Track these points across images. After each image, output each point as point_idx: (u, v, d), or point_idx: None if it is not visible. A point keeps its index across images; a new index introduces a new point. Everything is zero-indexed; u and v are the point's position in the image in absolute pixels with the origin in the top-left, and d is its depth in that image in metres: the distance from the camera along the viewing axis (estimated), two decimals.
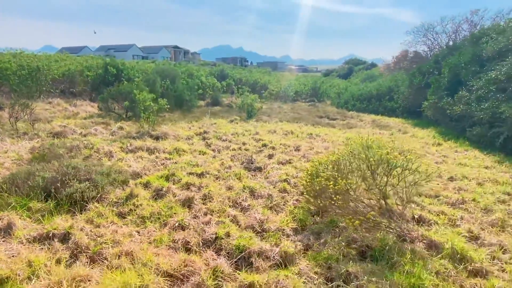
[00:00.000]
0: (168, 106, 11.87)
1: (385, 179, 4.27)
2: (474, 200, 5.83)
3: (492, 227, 4.84)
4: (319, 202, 4.27)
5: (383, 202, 4.36)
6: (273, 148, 8.62)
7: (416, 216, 4.88)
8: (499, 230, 4.77)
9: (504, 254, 4.05)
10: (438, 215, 5.10)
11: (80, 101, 14.50)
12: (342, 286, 3.07)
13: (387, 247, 3.78)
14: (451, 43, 23.19)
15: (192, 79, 21.21)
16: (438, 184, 6.79)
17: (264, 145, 8.82)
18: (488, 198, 5.96)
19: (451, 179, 7.22)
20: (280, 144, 9.02)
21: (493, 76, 11.01)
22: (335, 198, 4.01)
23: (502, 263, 3.80)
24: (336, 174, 4.18)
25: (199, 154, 7.74)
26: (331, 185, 4.03)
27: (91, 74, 16.18)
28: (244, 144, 8.94)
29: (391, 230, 4.22)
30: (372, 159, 4.07)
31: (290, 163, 7.30)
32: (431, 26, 26.08)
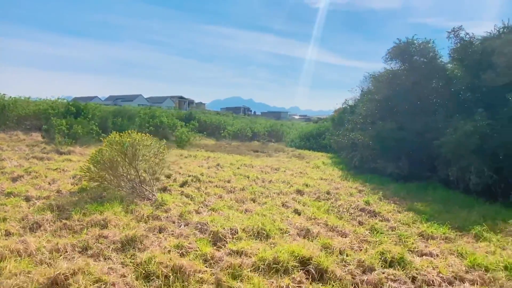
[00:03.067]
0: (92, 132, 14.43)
1: (136, 162, 6.37)
2: (248, 188, 7.80)
3: (235, 201, 6.76)
4: (88, 175, 6.33)
5: (138, 176, 6.41)
6: None
7: (182, 192, 6.89)
8: (238, 201, 6.70)
9: (205, 206, 6.00)
10: (205, 194, 7.07)
11: (36, 133, 17.14)
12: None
13: (118, 198, 5.79)
14: None
15: (153, 119, 24.14)
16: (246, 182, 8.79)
17: None
18: (265, 189, 7.93)
19: (270, 181, 9.17)
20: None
21: (358, 112, 13.31)
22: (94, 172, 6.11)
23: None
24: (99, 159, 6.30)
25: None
26: (91, 162, 6.15)
27: (53, 112, 19.04)
28: None
29: (139, 193, 6.23)
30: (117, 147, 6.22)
31: None
32: None
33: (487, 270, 4.20)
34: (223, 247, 4.24)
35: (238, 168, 11.20)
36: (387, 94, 12.56)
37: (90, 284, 3.03)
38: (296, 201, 7.32)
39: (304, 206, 6.92)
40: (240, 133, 28.25)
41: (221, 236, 4.48)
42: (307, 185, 8.98)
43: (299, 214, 6.32)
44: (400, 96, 12.05)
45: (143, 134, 6.69)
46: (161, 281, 3.20)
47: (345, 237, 5.27)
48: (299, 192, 8.24)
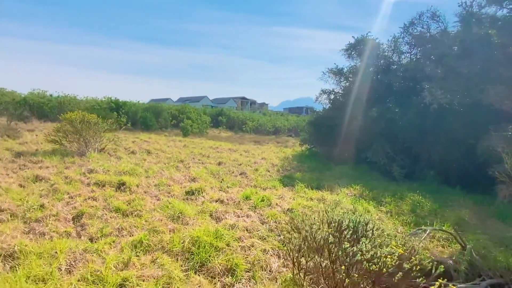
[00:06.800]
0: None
1: (83, 132, 9.47)
2: (174, 157, 10.34)
3: (152, 163, 9.42)
4: (47, 139, 9.60)
5: (84, 141, 9.48)
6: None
7: (117, 156, 9.80)
8: (154, 163, 9.35)
9: (120, 161, 8.77)
10: (136, 158, 9.87)
11: None
12: None
13: (64, 154, 8.95)
14: None
15: (183, 114, 28.21)
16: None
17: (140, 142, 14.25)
18: (191, 159, 10.41)
19: (208, 156, 11.57)
20: (134, 142, 14.37)
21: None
22: None
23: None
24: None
25: None
26: None
27: (98, 108, 23.97)
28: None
29: (81, 152, 9.30)
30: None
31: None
32: None
33: (248, 199, 6.15)
34: (91, 177, 6.94)
35: (201, 148, 13.76)
36: (343, 87, 13.86)
37: None
38: (205, 167, 9.59)
39: (203, 168, 9.22)
40: (261, 128, 30.67)
41: (94, 171, 7.22)
42: (234, 160, 11.15)
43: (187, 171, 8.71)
44: (349, 89, 13.29)
45: (91, 115, 9.77)
46: (32, 182, 6.07)
47: (195, 182, 7.52)
48: (219, 163, 10.48)
